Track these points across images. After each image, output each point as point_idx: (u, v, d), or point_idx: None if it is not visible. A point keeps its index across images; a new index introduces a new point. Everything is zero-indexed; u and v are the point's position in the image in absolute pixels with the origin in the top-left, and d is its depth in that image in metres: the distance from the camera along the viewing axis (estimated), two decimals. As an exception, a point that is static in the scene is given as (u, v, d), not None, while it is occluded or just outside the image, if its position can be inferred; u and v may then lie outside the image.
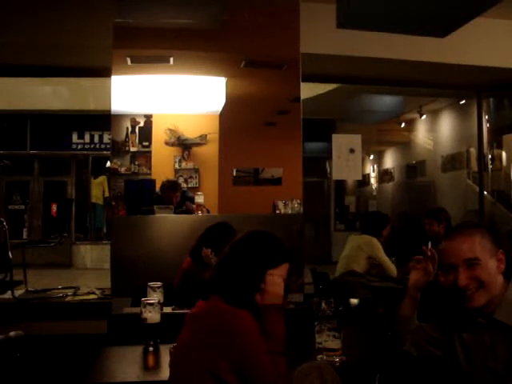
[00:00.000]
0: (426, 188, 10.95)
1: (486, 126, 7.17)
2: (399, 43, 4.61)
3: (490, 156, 7.88)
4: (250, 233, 2.07)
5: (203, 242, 3.48)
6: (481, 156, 6.78)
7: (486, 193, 7.09)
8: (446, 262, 1.95)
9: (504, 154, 8.74)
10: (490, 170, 7.79)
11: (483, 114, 6.83)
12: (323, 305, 2.46)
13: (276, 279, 1.99)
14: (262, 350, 1.86)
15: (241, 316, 1.84)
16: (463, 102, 8.79)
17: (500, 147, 8.82)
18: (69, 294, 4.72)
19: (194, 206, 4.22)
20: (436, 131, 10.90)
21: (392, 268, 4.70)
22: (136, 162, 4.47)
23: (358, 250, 4.78)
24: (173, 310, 3.27)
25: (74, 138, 12.56)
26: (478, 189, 6.93)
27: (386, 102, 9.76)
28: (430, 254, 2.13)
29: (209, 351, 1.81)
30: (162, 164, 4.56)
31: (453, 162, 10.18)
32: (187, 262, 3.57)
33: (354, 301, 4.12)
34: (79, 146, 12.61)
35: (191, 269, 3.48)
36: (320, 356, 2.38)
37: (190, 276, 3.37)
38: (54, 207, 12.91)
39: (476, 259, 1.88)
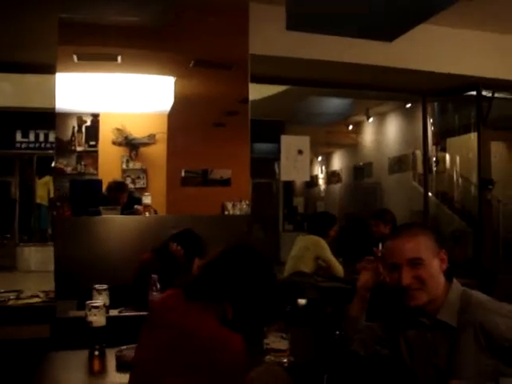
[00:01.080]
0: (373, 189, 11.13)
1: (430, 129, 7.35)
2: (347, 46, 4.66)
3: (434, 158, 8.09)
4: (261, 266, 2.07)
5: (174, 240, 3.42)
6: (426, 158, 6.95)
7: (430, 194, 7.27)
8: (391, 261, 1.97)
9: (448, 157, 8.97)
10: (434, 172, 7.99)
11: (428, 117, 7.00)
12: (271, 305, 2.45)
13: None
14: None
15: (238, 343, 1.71)
16: (409, 105, 9.00)
17: (444, 150, 9.05)
18: (11, 297, 4.56)
19: (141, 207, 4.17)
20: (383, 134, 11.10)
21: (339, 268, 4.75)
22: (82, 162, 4.39)
23: (305, 251, 4.82)
24: (119, 312, 3.21)
25: (18, 136, 12.17)
26: (423, 190, 7.09)
27: (334, 104, 9.85)
28: (380, 255, 2.16)
29: (191, 372, 1.67)
30: (109, 164, 4.49)
31: (399, 163, 10.40)
32: (147, 255, 3.53)
33: (302, 301, 4.13)
34: (23, 145, 12.24)
35: (151, 261, 3.44)
36: (268, 357, 2.38)
37: (149, 267, 3.30)
38: (-3, 208, 12.52)
39: (419, 259, 1.91)
